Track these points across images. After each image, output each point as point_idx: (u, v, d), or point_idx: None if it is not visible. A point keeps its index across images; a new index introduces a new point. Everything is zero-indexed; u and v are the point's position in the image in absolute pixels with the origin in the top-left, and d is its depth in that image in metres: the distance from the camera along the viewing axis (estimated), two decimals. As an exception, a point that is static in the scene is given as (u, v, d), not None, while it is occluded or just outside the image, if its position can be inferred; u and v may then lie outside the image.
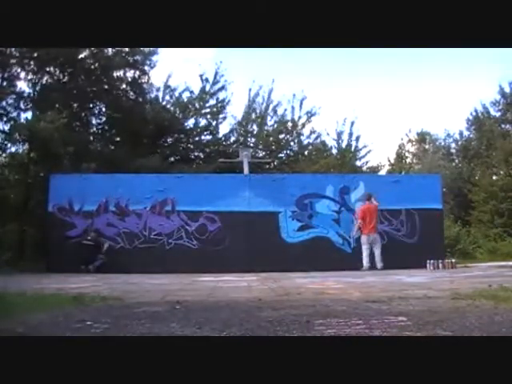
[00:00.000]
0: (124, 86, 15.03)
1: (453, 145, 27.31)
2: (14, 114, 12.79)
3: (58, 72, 13.77)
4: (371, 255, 9.57)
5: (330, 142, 21.62)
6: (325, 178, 11.03)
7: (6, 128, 12.45)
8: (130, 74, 14.98)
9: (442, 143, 27.69)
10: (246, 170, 15.12)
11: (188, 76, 46.60)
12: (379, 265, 9.39)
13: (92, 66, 13.65)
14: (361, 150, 21.39)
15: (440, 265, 8.72)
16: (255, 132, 20.47)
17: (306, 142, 20.98)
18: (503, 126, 23.29)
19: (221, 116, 18.34)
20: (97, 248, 9.73)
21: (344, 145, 21.30)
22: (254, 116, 20.63)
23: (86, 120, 14.74)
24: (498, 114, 23.66)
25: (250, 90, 21.03)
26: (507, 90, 23.09)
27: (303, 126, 20.75)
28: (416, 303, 3.14)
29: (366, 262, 9.55)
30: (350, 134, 21.21)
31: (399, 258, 9.20)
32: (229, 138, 19.00)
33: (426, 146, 28.30)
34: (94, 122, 15.48)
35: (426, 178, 11.20)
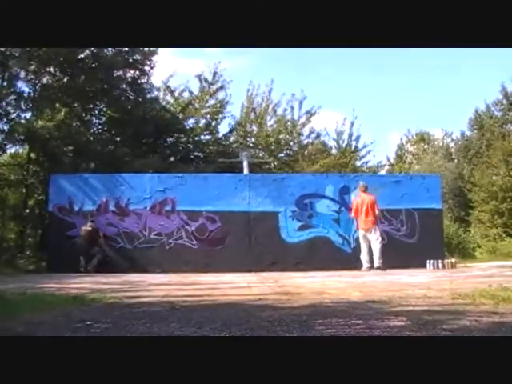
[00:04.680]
0: (124, 85, 15.02)
1: (451, 144, 27.39)
2: (14, 114, 12.78)
3: (58, 72, 13.77)
4: (370, 253, 8.90)
5: (330, 142, 21.67)
6: (325, 177, 11.03)
7: (6, 128, 12.42)
8: (129, 73, 14.99)
9: (441, 143, 27.76)
10: (245, 169, 15.13)
11: (188, 75, 46.58)
12: (377, 263, 8.69)
13: (92, 66, 13.63)
14: (361, 150, 21.43)
15: (440, 264, 8.70)
16: (255, 132, 20.48)
17: (305, 142, 21.01)
18: (504, 126, 23.32)
19: (220, 116, 18.36)
20: (92, 242, 9.67)
21: (344, 145, 21.34)
22: (253, 116, 20.64)
23: (85, 120, 14.72)
24: (499, 114, 23.69)
25: (248, 90, 21.08)
26: (510, 89, 23.12)
27: (303, 125, 20.79)
28: (416, 303, 3.14)
29: (364, 261, 8.89)
30: (350, 135, 21.25)
31: (399, 258, 9.20)
32: (229, 137, 19.02)
33: (426, 146, 28.35)
34: (94, 121, 15.48)
35: (425, 178, 11.19)
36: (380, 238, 8.97)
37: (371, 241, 8.98)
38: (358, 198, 9.28)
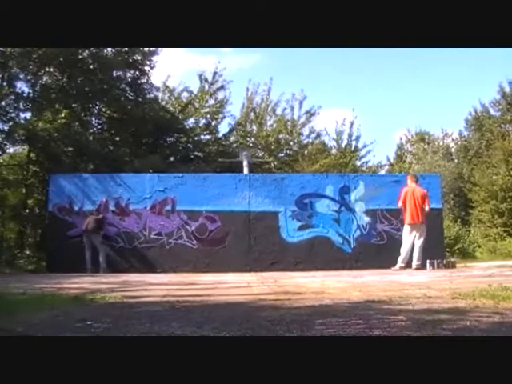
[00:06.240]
0: (123, 85, 15.02)
1: (452, 144, 27.41)
2: (14, 115, 12.77)
3: (57, 72, 13.76)
4: (410, 252, 8.39)
5: (330, 142, 21.71)
6: (325, 177, 11.01)
7: (6, 128, 12.42)
8: (129, 74, 14.99)
9: (441, 143, 27.77)
10: (245, 169, 15.13)
11: (187, 75, 46.68)
12: (415, 263, 8.24)
13: (91, 66, 13.63)
14: (361, 149, 21.46)
15: (440, 264, 8.69)
16: (254, 132, 20.51)
17: (305, 142, 21.04)
18: (503, 126, 23.34)
19: (220, 116, 18.38)
20: (97, 230, 9.70)
21: (344, 145, 21.38)
22: (252, 116, 20.67)
23: (85, 120, 14.72)
24: (498, 114, 23.72)
25: (247, 89, 21.11)
26: (507, 89, 23.14)
27: (303, 125, 20.82)
28: (416, 303, 3.14)
29: (400, 259, 8.38)
30: (350, 135, 21.28)
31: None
32: (228, 137, 19.03)
33: (426, 146, 28.35)
34: (93, 122, 15.48)
35: (425, 178, 11.18)
36: (424, 238, 8.40)
37: (415, 238, 8.45)
38: (408, 188, 8.66)
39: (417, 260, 8.35)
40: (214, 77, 18.34)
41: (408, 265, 8.42)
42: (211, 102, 18.20)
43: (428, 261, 8.68)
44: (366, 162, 21.68)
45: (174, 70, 41.66)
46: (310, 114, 20.64)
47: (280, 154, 20.24)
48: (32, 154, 13.23)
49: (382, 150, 56.79)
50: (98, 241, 9.67)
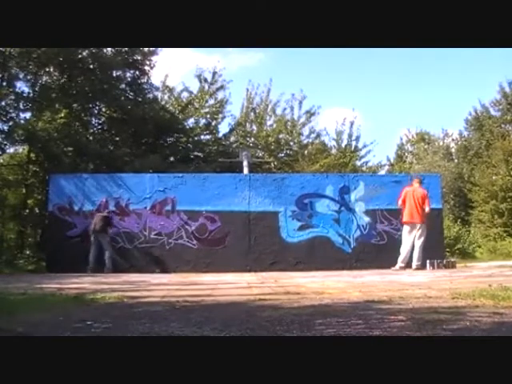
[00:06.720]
0: (123, 85, 15.02)
1: (452, 144, 27.41)
2: (14, 115, 12.76)
3: (57, 72, 13.76)
4: (410, 252, 8.45)
5: (330, 142, 21.72)
6: (325, 177, 11.01)
7: (6, 128, 12.41)
8: (129, 73, 14.99)
9: (441, 143, 27.78)
10: (245, 169, 15.14)
11: (190, 74, 46.71)
12: (415, 264, 8.31)
13: (91, 66, 13.62)
14: (361, 150, 21.46)
15: (440, 264, 8.68)
16: (254, 132, 20.52)
17: (305, 142, 21.05)
18: (503, 126, 23.35)
19: (220, 116, 18.38)
20: (103, 228, 9.65)
21: (344, 145, 21.38)
22: (252, 116, 20.68)
23: (85, 120, 14.71)
24: (498, 114, 23.73)
25: (247, 89, 21.12)
26: (507, 89, 23.16)
27: (303, 125, 20.83)
28: (416, 303, 3.14)
29: (400, 259, 8.44)
30: (350, 135, 21.29)
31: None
32: (229, 137, 19.03)
33: (426, 146, 28.35)
34: (93, 122, 15.47)
35: (425, 178, 11.18)
36: (424, 238, 8.49)
37: (415, 238, 8.54)
38: (410, 188, 8.80)
39: (417, 260, 8.45)
40: (213, 77, 18.35)
41: (408, 265, 8.49)
42: (211, 101, 18.21)
43: (428, 261, 8.67)
44: (366, 162, 21.69)
45: (177, 68, 41.67)
46: (310, 114, 20.66)
47: (280, 154, 20.24)
48: (32, 154, 13.22)
49: (382, 150, 56.80)
50: (105, 240, 9.64)
